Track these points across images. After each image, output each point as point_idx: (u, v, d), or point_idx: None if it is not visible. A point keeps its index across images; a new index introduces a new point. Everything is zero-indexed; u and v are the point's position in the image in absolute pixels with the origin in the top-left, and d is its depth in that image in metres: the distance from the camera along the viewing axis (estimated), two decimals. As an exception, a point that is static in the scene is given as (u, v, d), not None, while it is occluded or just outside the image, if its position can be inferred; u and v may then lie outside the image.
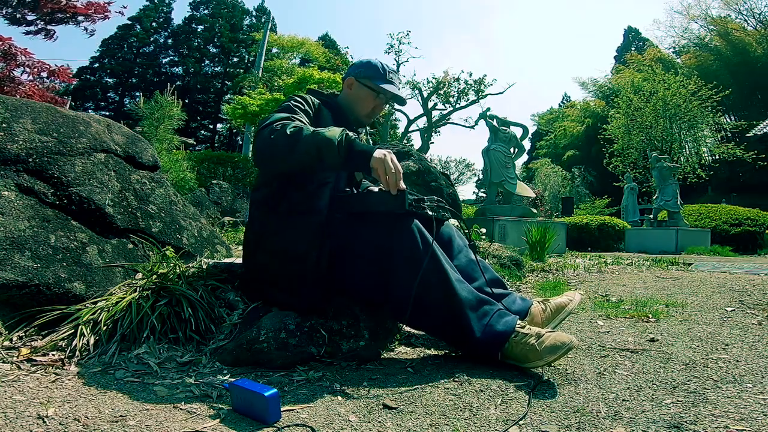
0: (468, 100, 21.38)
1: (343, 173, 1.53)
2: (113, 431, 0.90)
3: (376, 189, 1.49)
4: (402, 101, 1.65)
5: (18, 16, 4.48)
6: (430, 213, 1.37)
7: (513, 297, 1.53)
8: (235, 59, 33.93)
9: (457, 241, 1.56)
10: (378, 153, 1.27)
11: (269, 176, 1.49)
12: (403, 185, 1.30)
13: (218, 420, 0.96)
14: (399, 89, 1.61)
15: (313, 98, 1.55)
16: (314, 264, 1.37)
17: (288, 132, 1.27)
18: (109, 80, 32.16)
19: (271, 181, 1.47)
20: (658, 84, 15.73)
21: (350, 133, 1.29)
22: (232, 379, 1.14)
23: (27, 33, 4.68)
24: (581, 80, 27.12)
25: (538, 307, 1.50)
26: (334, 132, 1.26)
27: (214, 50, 33.67)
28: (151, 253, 1.68)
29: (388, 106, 1.67)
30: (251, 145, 1.39)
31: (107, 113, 28.44)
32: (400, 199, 1.29)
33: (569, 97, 37.00)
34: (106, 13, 4.77)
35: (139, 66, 32.17)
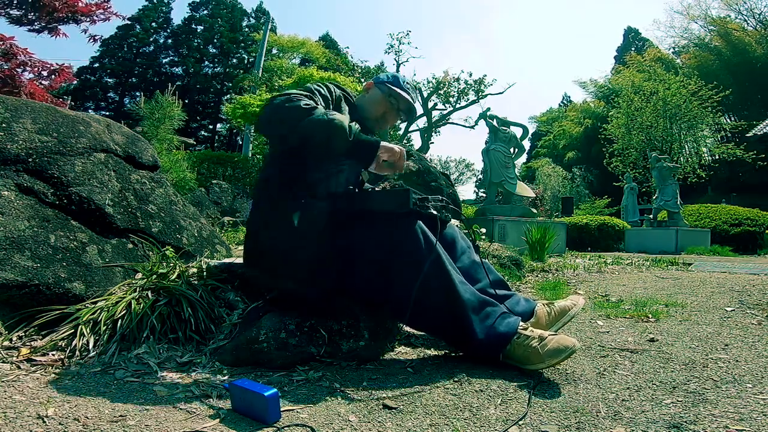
0: (468, 100, 21.38)
1: (354, 166, 1.50)
2: (113, 431, 0.90)
3: (379, 188, 1.48)
4: (413, 111, 1.64)
5: (20, 14, 4.47)
6: (435, 213, 1.36)
7: (517, 298, 1.53)
8: (235, 60, 33.92)
9: (461, 242, 1.55)
10: (385, 143, 1.32)
11: (278, 151, 1.48)
12: (403, 166, 1.32)
13: (218, 420, 0.96)
14: (413, 100, 1.61)
15: (336, 89, 1.57)
16: (330, 246, 1.36)
17: (303, 105, 1.30)
18: (109, 80, 32.15)
19: (281, 156, 1.45)
20: (659, 84, 15.74)
21: (359, 126, 1.33)
22: (232, 379, 1.14)
23: (30, 31, 4.66)
24: (581, 80, 27.21)
25: (543, 309, 1.50)
26: (346, 119, 1.31)
27: (214, 50, 33.66)
28: (151, 253, 1.68)
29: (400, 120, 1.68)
30: (261, 111, 1.39)
31: (107, 113, 28.43)
32: (404, 198, 1.29)
33: (569, 97, 37.06)
34: (108, 13, 4.76)
35: (139, 66, 32.16)
